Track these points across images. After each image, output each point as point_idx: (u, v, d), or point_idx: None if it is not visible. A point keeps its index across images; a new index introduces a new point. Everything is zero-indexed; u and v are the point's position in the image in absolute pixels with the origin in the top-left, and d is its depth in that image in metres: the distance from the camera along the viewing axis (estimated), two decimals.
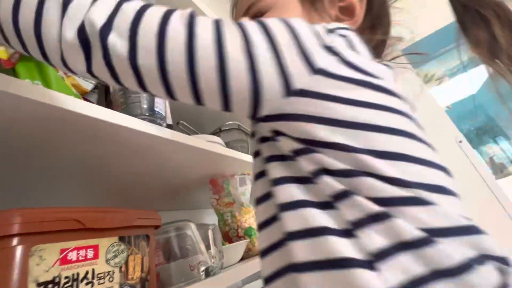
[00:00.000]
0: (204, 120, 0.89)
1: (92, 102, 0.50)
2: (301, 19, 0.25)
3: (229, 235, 0.68)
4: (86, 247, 0.25)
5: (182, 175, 0.64)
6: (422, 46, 0.94)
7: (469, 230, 0.19)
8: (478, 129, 0.91)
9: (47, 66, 0.35)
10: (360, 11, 0.34)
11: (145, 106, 0.43)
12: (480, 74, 0.94)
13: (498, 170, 0.85)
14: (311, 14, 0.35)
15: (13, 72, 0.33)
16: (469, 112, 0.95)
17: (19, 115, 0.29)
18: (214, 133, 0.75)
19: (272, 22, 0.23)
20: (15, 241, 0.21)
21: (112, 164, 0.46)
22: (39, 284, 0.21)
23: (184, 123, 0.72)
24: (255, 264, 0.50)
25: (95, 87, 0.52)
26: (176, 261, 0.43)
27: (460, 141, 0.71)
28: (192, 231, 0.45)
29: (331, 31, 0.25)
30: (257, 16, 0.34)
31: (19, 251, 0.21)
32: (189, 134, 0.58)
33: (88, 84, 0.49)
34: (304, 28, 0.23)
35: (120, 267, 0.28)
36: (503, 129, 0.82)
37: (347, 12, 0.35)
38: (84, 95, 0.49)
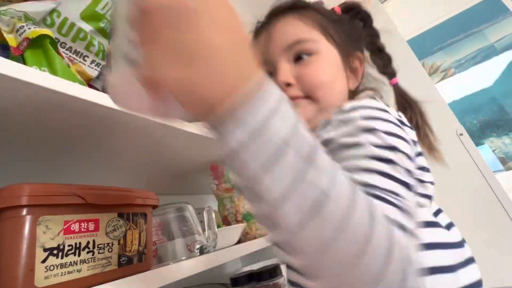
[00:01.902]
0: None
1: (98, 89, 0.53)
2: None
3: (228, 220, 0.71)
4: (88, 220, 0.28)
5: (183, 160, 0.67)
6: (429, 37, 0.91)
7: None
8: (482, 122, 0.90)
9: (53, 54, 0.37)
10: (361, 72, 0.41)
11: None
12: (492, 68, 0.91)
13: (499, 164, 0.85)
14: (342, 70, 0.38)
15: (21, 59, 0.35)
16: (479, 106, 0.93)
17: (26, 100, 0.31)
18: None
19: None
20: (24, 211, 0.24)
21: (113, 146, 0.49)
22: (45, 249, 0.24)
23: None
24: (249, 245, 0.52)
25: (101, 74, 0.54)
26: (175, 240, 0.46)
27: (461, 134, 0.70)
28: (190, 212, 0.48)
29: (402, 123, 0.30)
30: (298, 54, 0.36)
31: (28, 220, 0.24)
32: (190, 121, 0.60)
33: (93, 71, 0.51)
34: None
35: (119, 240, 0.31)
36: None
37: (354, 72, 0.41)
38: (89, 82, 0.51)
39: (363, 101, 0.31)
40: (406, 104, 0.42)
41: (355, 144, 0.24)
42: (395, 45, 0.85)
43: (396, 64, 0.87)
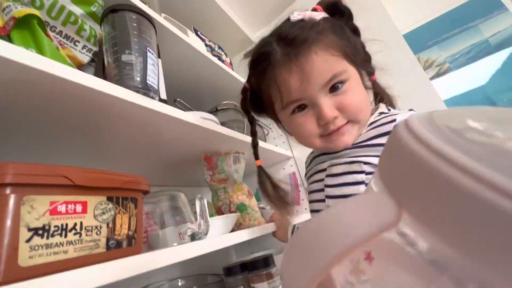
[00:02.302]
0: (201, 98, 0.90)
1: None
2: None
3: (221, 210, 0.70)
4: (75, 202, 0.28)
5: (177, 150, 0.66)
6: (425, 31, 0.91)
7: None
8: None
9: (41, 35, 0.36)
10: None
11: (138, 78, 0.44)
12: (488, 65, 0.92)
13: None
14: (363, 86, 0.43)
15: (8, 39, 0.34)
16: (473, 104, 0.93)
17: (13, 80, 0.30)
18: (211, 112, 0.76)
19: None
20: (8, 190, 0.23)
21: (105, 133, 0.48)
22: (30, 229, 0.24)
23: (181, 100, 0.73)
24: (242, 234, 0.52)
25: (92, 60, 0.53)
26: (166, 228, 0.46)
27: None
28: (182, 201, 0.48)
29: None
30: (334, 86, 0.39)
31: (12, 199, 0.23)
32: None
33: (84, 57, 0.50)
34: None
35: (108, 224, 0.30)
36: None
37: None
38: (80, 68, 0.50)
39: (407, 113, 0.41)
40: (384, 97, 0.47)
41: None
42: (391, 39, 0.86)
43: (392, 57, 0.87)
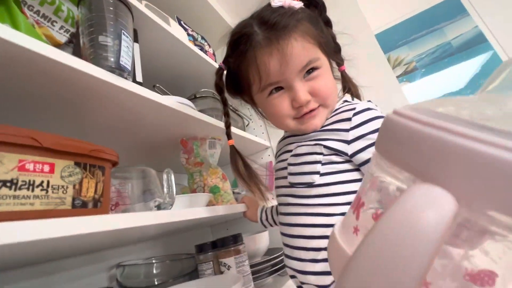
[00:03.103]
0: (181, 86, 0.93)
1: None
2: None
3: (196, 192, 0.74)
4: (43, 163, 0.31)
5: (153, 134, 0.69)
6: (395, 31, 0.98)
7: None
8: None
9: (16, 12, 0.39)
10: None
11: (112, 59, 0.47)
12: (462, 72, 0.97)
13: None
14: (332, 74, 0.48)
15: None
16: None
17: None
18: (189, 99, 0.79)
19: None
20: None
21: (80, 112, 0.51)
22: None
23: (160, 86, 0.75)
24: (205, 211, 0.56)
25: (70, 41, 0.55)
26: (137, 204, 0.49)
27: None
28: (152, 176, 0.51)
29: None
30: (308, 71, 0.43)
31: None
32: None
33: (62, 37, 0.52)
34: None
35: (74, 185, 0.34)
36: None
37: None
38: (57, 47, 0.52)
39: (367, 103, 0.44)
40: (351, 87, 0.51)
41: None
42: (364, 38, 0.91)
43: (364, 55, 0.93)
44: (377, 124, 0.41)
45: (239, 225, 1.04)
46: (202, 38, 1.00)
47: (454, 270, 0.12)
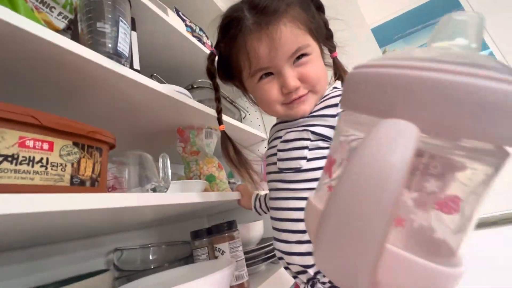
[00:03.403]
0: (178, 76, 0.94)
1: None
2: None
3: None
4: (42, 141, 0.32)
5: (150, 121, 0.70)
6: (392, 26, 0.99)
7: None
8: None
9: None
10: None
11: (110, 45, 0.48)
12: None
13: None
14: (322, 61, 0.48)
15: None
16: None
17: None
18: (186, 89, 0.80)
19: None
20: None
21: (78, 96, 0.52)
22: (0, 155, 0.28)
23: (158, 76, 0.76)
24: (198, 196, 0.57)
25: (69, 28, 0.56)
26: (134, 189, 0.50)
27: None
28: (149, 161, 0.52)
29: None
30: (297, 57, 0.43)
31: None
32: None
33: (60, 23, 0.53)
34: None
35: (72, 164, 0.35)
36: None
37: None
38: None
39: None
40: (342, 74, 0.51)
41: None
42: (360, 31, 0.92)
43: (360, 48, 0.93)
44: None
45: (235, 216, 1.06)
46: (200, 29, 1.01)
47: (424, 201, 0.13)
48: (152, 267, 0.67)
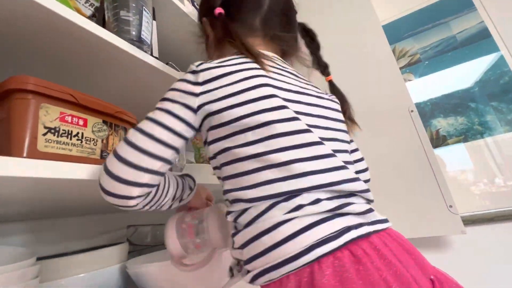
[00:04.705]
0: (190, 63, 0.96)
1: None
2: None
3: None
4: (78, 117, 0.36)
5: None
6: (403, 23, 0.99)
7: None
8: (433, 104, 1.00)
9: None
10: None
11: (134, 33, 0.51)
12: (469, 71, 0.95)
13: (441, 140, 0.97)
14: None
15: None
16: (454, 106, 0.97)
17: (27, 17, 0.37)
18: None
19: None
20: (30, 95, 0.31)
21: (99, 77, 0.56)
22: (45, 127, 0.32)
23: (173, 64, 0.79)
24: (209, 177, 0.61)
25: (93, 15, 0.59)
26: None
27: (412, 111, 0.81)
28: None
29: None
30: None
31: (32, 103, 0.31)
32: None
33: (87, 10, 0.57)
34: None
35: (102, 140, 0.39)
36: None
37: None
38: None
39: None
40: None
41: None
42: (371, 28, 0.93)
43: (370, 45, 0.95)
44: None
45: None
46: None
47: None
48: (162, 243, 0.72)
